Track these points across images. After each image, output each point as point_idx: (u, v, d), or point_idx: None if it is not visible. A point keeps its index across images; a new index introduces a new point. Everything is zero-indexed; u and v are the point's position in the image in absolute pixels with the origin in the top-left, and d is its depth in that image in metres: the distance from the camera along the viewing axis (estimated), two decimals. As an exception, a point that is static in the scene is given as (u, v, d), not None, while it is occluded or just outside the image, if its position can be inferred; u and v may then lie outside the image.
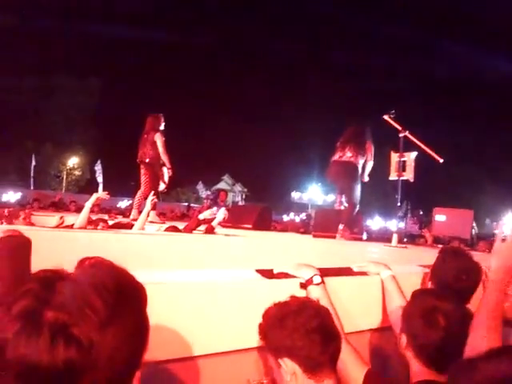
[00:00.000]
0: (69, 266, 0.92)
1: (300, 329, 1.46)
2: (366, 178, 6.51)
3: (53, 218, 5.97)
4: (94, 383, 0.77)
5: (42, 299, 0.78)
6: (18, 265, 1.27)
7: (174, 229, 5.58)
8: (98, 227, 4.58)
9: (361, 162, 6.33)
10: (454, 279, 2.16)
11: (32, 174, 36.66)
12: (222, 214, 5.38)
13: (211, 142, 55.41)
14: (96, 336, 0.76)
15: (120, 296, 0.83)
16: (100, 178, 35.44)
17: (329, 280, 1.97)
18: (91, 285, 0.81)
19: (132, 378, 0.85)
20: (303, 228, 11.53)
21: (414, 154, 5.58)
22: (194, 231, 5.32)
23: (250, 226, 7.60)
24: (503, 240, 1.66)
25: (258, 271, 1.94)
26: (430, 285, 2.32)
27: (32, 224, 4.99)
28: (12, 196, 24.50)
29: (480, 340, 1.46)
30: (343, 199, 6.81)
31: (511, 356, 0.96)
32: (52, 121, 42.68)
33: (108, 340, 0.78)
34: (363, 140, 6.37)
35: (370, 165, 6.45)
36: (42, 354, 0.73)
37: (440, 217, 7.39)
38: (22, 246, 1.36)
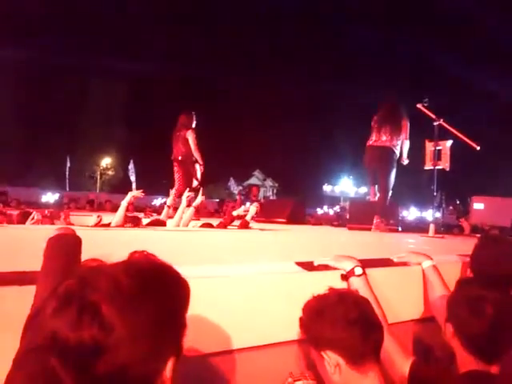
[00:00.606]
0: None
1: (340, 320, 1.46)
2: (406, 161, 6.36)
3: (90, 218, 6.10)
4: (113, 365, 0.77)
5: (81, 282, 0.81)
6: (69, 262, 1.30)
7: (209, 225, 5.64)
8: (127, 225, 4.65)
9: (398, 143, 6.24)
10: (494, 266, 2.10)
11: (67, 176, 37.48)
12: (254, 208, 5.42)
13: (241, 137, 55.42)
14: (119, 317, 0.77)
15: (152, 284, 0.84)
16: (133, 177, 35.97)
17: (369, 271, 1.95)
18: (123, 271, 0.83)
19: (159, 370, 0.85)
20: (337, 221, 11.46)
21: (449, 143, 5.48)
22: (228, 227, 5.35)
23: (283, 220, 7.60)
24: None
25: (298, 264, 1.94)
26: (469, 273, 2.28)
27: (71, 224, 5.09)
28: (50, 197, 25.13)
29: None
30: (376, 190, 6.73)
31: None
32: (85, 122, 43.47)
33: (131, 323, 0.78)
34: (399, 118, 6.26)
35: (406, 145, 6.29)
36: (68, 328, 0.76)
37: (478, 205, 7.25)
38: (73, 244, 1.40)
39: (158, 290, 0.85)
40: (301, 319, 1.57)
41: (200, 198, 5.66)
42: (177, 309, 0.89)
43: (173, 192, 7.53)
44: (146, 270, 0.87)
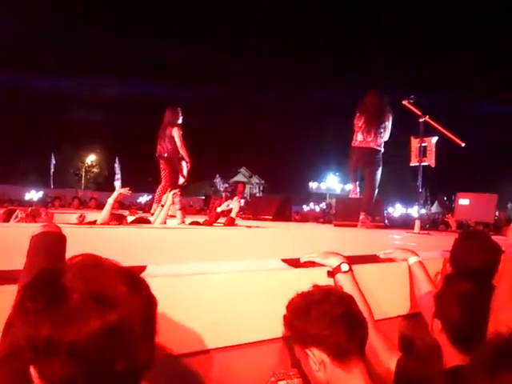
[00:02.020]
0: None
1: (325, 317, 1.45)
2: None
3: (74, 216, 6.05)
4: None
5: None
6: (53, 259, 1.28)
7: (196, 224, 5.62)
8: (112, 223, 4.62)
9: (383, 142, 6.28)
10: (470, 259, 2.12)
11: (52, 173, 37.17)
12: (236, 203, 5.41)
13: (227, 135, 55.39)
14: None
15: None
16: (118, 175, 35.76)
17: (356, 267, 1.95)
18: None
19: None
20: (323, 218, 11.49)
21: (434, 139, 5.50)
22: (214, 224, 5.33)
23: (270, 217, 7.60)
24: None
25: (284, 260, 1.93)
26: (448, 268, 2.29)
27: (51, 222, 5.05)
28: (34, 195, 24.90)
29: (503, 317, 1.43)
30: (357, 189, 6.77)
31: None
32: (70, 119, 43.12)
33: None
34: (384, 117, 6.28)
35: (388, 130, 6.34)
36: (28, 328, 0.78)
37: (463, 201, 7.28)
38: (57, 242, 1.37)
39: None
40: (285, 317, 1.57)
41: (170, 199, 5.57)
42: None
43: (159, 189, 7.50)
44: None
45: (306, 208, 27.77)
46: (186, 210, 10.91)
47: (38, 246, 1.33)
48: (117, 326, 0.78)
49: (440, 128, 5.41)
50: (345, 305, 1.50)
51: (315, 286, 1.57)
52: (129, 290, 0.83)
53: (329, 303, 1.48)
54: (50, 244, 1.35)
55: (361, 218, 6.03)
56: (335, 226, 6.51)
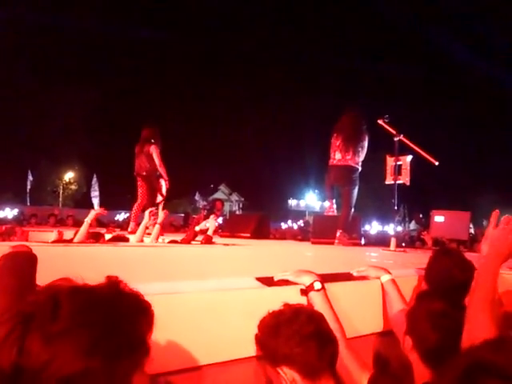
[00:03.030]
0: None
1: (295, 336, 1.47)
2: None
3: (51, 234, 5.97)
4: None
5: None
6: (23, 280, 1.27)
7: (173, 242, 5.62)
8: (89, 241, 4.60)
9: (360, 160, 6.37)
10: (445, 278, 2.16)
11: (28, 190, 36.63)
12: (213, 221, 5.43)
13: (207, 152, 55.42)
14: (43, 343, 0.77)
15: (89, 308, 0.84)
16: (96, 192, 35.41)
17: (329, 286, 1.97)
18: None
19: None
20: (301, 235, 11.52)
21: (409, 158, 5.60)
22: (192, 242, 5.33)
23: (248, 235, 7.61)
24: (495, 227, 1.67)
25: (258, 279, 1.94)
26: (423, 285, 2.33)
27: (27, 240, 4.99)
28: (9, 213, 24.45)
29: (477, 330, 1.46)
30: (334, 206, 6.84)
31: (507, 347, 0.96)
32: (47, 136, 42.67)
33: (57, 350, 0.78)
34: (362, 135, 6.38)
35: (365, 149, 6.45)
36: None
37: (438, 218, 7.40)
38: (27, 262, 1.36)
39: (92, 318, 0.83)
40: (256, 336, 1.58)
41: (162, 214, 5.62)
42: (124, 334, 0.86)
43: (135, 207, 7.46)
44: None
45: (284, 225, 27.83)
46: (164, 229, 10.87)
47: (8, 266, 1.32)
48: None
49: (414, 147, 5.52)
50: (315, 323, 1.51)
51: (286, 305, 1.59)
52: None
53: (299, 322, 1.49)
54: (20, 265, 1.34)
55: (338, 235, 6.08)
56: (312, 243, 6.54)
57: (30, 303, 0.83)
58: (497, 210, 1.78)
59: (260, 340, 1.56)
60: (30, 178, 36.93)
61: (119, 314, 0.86)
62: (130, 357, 0.86)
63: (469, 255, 2.40)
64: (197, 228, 5.46)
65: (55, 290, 0.85)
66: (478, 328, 1.44)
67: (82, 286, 0.89)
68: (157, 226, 5.34)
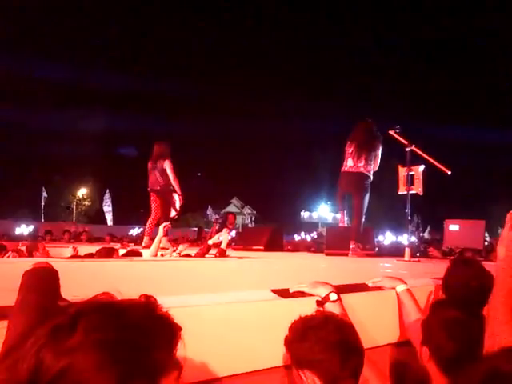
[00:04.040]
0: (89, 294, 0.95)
1: (320, 342, 1.48)
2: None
3: (67, 249, 6.03)
4: None
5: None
6: (46, 296, 1.29)
7: (186, 256, 5.64)
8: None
9: (372, 169, 6.38)
10: (464, 287, 2.15)
11: (43, 207, 36.96)
12: (226, 234, 5.46)
13: (219, 165, 55.58)
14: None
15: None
16: (109, 207, 35.63)
17: (345, 297, 1.98)
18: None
19: None
20: (314, 247, 11.48)
21: (421, 168, 5.59)
22: (206, 255, 5.35)
23: (261, 248, 7.61)
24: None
25: (273, 291, 1.96)
26: (441, 295, 2.32)
27: (49, 255, 5.04)
28: (25, 229, 24.68)
29: (499, 335, 1.45)
30: (345, 217, 6.84)
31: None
32: (61, 153, 43.11)
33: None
34: (375, 144, 6.40)
35: (378, 159, 6.50)
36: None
37: (453, 227, 7.34)
38: (49, 278, 1.39)
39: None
40: (285, 338, 1.59)
41: (161, 229, 5.60)
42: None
43: (150, 221, 7.50)
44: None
45: (297, 237, 27.76)
46: (178, 242, 10.90)
47: (30, 282, 1.34)
48: None
49: (426, 156, 5.51)
50: (343, 332, 1.52)
51: (318, 311, 1.61)
52: None
53: (326, 329, 1.51)
54: (42, 281, 1.36)
55: (351, 246, 6.07)
56: (326, 255, 6.53)
57: (53, 317, 0.85)
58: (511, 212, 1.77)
59: (288, 342, 1.58)
60: (45, 194, 37.30)
61: (142, 336, 0.85)
62: (144, 380, 0.86)
63: (485, 264, 2.39)
64: (210, 242, 5.49)
65: (80, 306, 0.87)
66: (500, 333, 1.43)
67: (112, 303, 0.89)
68: (156, 240, 5.38)
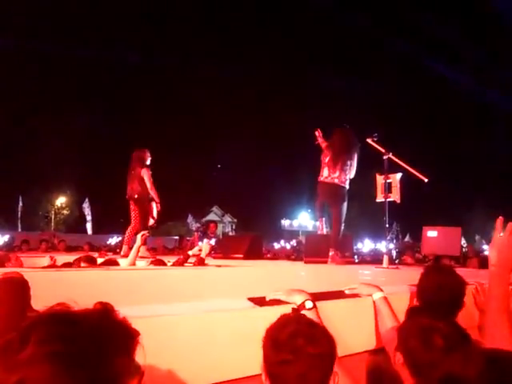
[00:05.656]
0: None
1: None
2: None
3: (44, 259, 5.95)
4: None
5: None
6: (15, 306, 1.28)
7: (160, 262, 5.60)
8: (83, 264, 4.59)
9: (348, 178, 6.42)
10: (436, 294, 2.18)
11: (19, 216, 36.39)
12: (206, 245, 5.46)
13: (199, 173, 55.42)
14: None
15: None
16: (89, 217, 35.27)
17: (321, 304, 1.98)
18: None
19: None
20: (294, 255, 11.52)
21: (398, 175, 5.65)
22: (184, 264, 5.32)
23: (241, 256, 7.58)
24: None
25: (250, 299, 1.95)
26: (415, 302, 2.35)
27: (22, 266, 4.95)
28: (0, 239, 24.25)
29: (496, 338, 1.46)
30: (324, 224, 6.87)
31: None
32: (38, 161, 42.53)
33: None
34: (350, 151, 6.44)
35: (354, 168, 6.54)
36: None
37: (431, 233, 7.43)
38: (19, 288, 1.37)
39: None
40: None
41: (139, 237, 5.52)
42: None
43: (128, 230, 7.44)
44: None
45: (276, 246, 27.81)
46: (157, 251, 10.83)
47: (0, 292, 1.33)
48: None
49: (403, 164, 5.57)
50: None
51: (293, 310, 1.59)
52: None
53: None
54: (11, 291, 1.35)
55: (330, 254, 6.10)
56: (305, 262, 6.54)
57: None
58: (501, 217, 1.79)
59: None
60: (21, 203, 36.72)
61: (97, 344, 0.85)
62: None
63: (461, 271, 2.42)
64: (190, 252, 5.47)
65: (32, 319, 0.85)
66: (497, 336, 1.45)
67: (65, 314, 0.88)
68: (134, 249, 5.34)
